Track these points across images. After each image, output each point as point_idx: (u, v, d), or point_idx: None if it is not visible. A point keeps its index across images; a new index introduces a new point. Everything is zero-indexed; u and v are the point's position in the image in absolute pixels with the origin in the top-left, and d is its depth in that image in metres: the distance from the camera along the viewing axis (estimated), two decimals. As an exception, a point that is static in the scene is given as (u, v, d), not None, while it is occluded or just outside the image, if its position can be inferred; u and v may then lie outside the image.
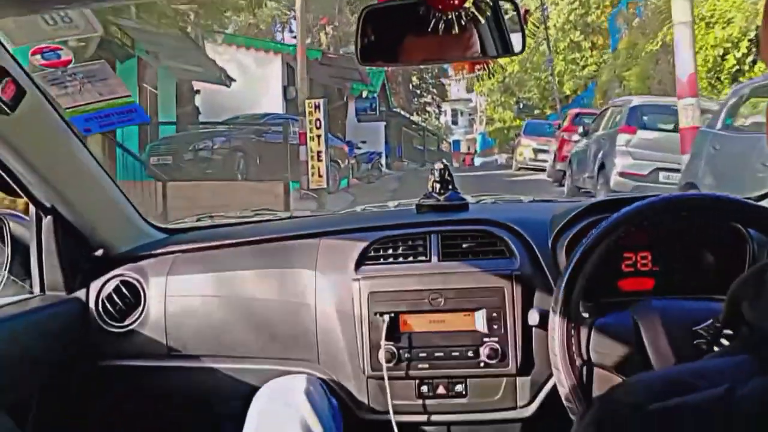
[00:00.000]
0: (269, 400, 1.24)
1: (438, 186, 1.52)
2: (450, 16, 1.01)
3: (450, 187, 1.53)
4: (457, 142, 44.10)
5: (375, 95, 19.08)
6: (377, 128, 19.76)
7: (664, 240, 1.34)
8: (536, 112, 33.29)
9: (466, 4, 1.01)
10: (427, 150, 25.44)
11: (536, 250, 1.36)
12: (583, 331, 1.10)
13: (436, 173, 1.53)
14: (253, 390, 1.26)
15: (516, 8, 1.09)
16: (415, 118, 24.68)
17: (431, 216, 1.50)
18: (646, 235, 1.33)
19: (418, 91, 31.18)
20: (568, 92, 28.58)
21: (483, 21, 1.05)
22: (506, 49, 1.10)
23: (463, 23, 1.02)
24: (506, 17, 1.09)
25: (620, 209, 1.10)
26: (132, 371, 1.48)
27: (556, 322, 1.07)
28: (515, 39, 1.09)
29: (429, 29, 1.01)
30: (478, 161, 35.47)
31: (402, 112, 23.27)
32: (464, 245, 1.39)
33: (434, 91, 32.70)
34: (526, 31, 1.15)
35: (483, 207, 1.65)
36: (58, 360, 1.37)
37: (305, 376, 1.29)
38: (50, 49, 1.15)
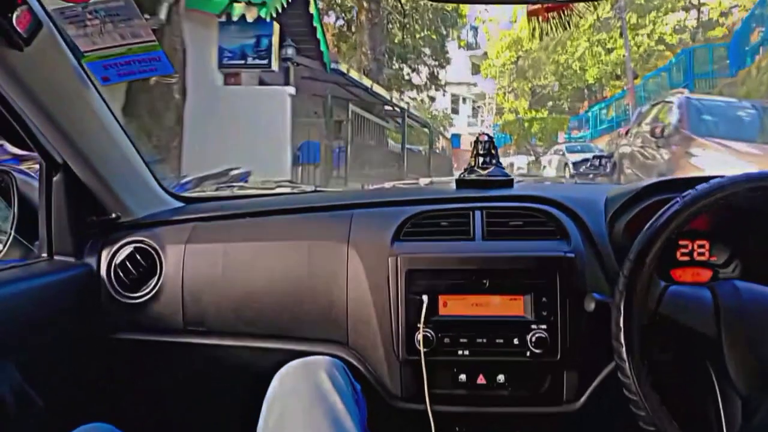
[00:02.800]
0: (288, 381, 1.24)
1: (481, 160, 1.55)
2: None
3: (494, 161, 1.56)
4: (456, 137, 40.44)
5: (269, 23, 10.53)
6: (281, 102, 10.82)
7: (723, 228, 1.37)
8: (550, 104, 32.82)
9: None
10: (411, 152, 18.10)
11: (591, 232, 1.38)
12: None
13: (480, 146, 1.56)
14: (274, 371, 1.26)
15: None
16: (382, 93, 16.06)
17: (474, 191, 1.53)
18: (706, 222, 1.36)
19: (403, 57, 24.81)
20: (591, 80, 28.65)
21: None
22: None
23: None
24: None
25: (682, 190, 1.10)
26: (145, 346, 1.51)
27: (621, 309, 1.06)
28: None
29: None
30: None
31: (364, 83, 14.97)
32: (511, 223, 1.41)
33: (431, 61, 26.80)
34: None
35: (529, 185, 1.69)
36: (65, 329, 1.38)
37: (327, 358, 1.29)
38: (71, -20, 1.14)
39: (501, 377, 1.34)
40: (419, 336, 1.30)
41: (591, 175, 16.07)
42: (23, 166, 1.64)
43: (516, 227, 1.40)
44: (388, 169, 15.16)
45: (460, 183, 1.56)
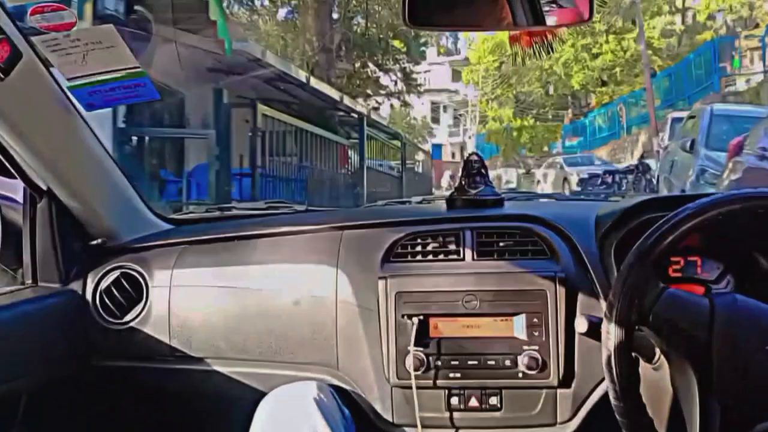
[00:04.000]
0: (276, 407, 1.30)
1: (470, 180, 1.62)
2: None
3: (483, 181, 1.63)
4: (437, 147, 40.23)
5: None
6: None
7: (715, 244, 1.42)
8: (534, 111, 31.98)
9: None
10: (376, 172, 14.04)
11: (581, 251, 1.44)
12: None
13: (470, 166, 1.63)
14: (262, 395, 1.32)
15: None
16: (330, 93, 12.68)
17: (464, 211, 1.59)
18: (698, 238, 1.41)
19: (368, 51, 20.73)
20: (576, 86, 28.84)
21: None
22: (573, 18, 1.20)
23: None
24: None
25: (674, 208, 1.12)
26: (131, 372, 1.56)
27: (612, 331, 1.08)
28: (583, 5, 1.15)
29: None
30: None
31: (299, 77, 11.26)
32: (501, 243, 1.46)
33: (403, 58, 22.80)
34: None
35: (519, 204, 1.74)
36: (50, 357, 1.43)
37: (315, 383, 1.36)
38: (52, 8, 1.20)
39: (494, 399, 1.39)
40: (410, 359, 1.34)
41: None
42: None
43: (506, 247, 1.45)
44: (338, 200, 11.39)
45: (451, 203, 1.63)
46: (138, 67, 1.30)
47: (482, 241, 1.46)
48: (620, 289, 1.08)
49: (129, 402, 1.63)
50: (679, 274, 1.44)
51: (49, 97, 1.31)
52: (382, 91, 23.71)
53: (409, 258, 1.46)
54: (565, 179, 20.09)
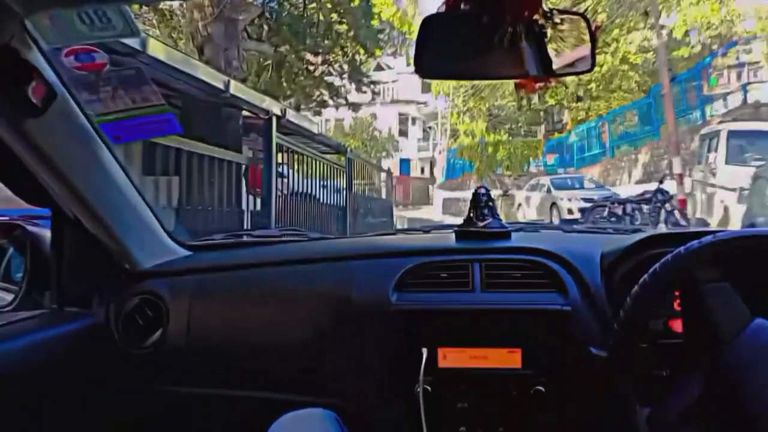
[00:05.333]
0: None
1: (478, 212, 1.76)
2: (517, 29, 1.17)
3: (491, 213, 1.76)
4: (405, 162, 39.95)
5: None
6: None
7: (731, 275, 1.47)
8: (507, 126, 30.73)
9: (535, 17, 1.18)
10: (308, 199, 9.78)
11: (588, 284, 1.55)
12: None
13: (476, 198, 1.77)
14: (271, 421, 1.39)
15: (587, 23, 1.25)
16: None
17: (472, 243, 1.73)
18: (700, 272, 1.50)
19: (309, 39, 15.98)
20: (551, 102, 28.99)
21: (551, 36, 1.21)
22: (576, 67, 1.34)
23: (530, 37, 1.19)
24: (575, 32, 1.27)
25: (677, 245, 1.22)
26: (148, 395, 1.70)
27: (615, 365, 1.21)
28: (584, 56, 1.27)
29: (493, 42, 1.16)
30: (439, 203, 29.60)
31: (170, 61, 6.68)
32: (509, 275, 1.59)
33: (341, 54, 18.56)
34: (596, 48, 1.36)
35: (526, 236, 1.86)
36: (74, 379, 1.56)
37: (321, 410, 1.45)
38: (85, 50, 1.35)
39: (501, 429, 1.52)
40: (419, 388, 1.46)
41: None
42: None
43: (514, 279, 1.57)
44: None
45: (460, 234, 1.76)
46: (163, 104, 1.45)
47: (490, 273, 1.58)
48: (625, 323, 1.19)
49: (144, 424, 1.75)
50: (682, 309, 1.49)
51: (80, 132, 1.46)
52: (323, 90, 19.38)
53: (420, 288, 1.58)
54: (554, 204, 18.59)
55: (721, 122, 12.86)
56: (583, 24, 1.26)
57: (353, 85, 20.21)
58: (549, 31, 1.21)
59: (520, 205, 21.25)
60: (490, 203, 1.76)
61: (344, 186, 12.02)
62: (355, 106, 22.42)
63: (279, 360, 1.64)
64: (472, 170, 28.93)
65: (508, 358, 1.50)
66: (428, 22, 1.21)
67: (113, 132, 1.48)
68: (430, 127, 41.70)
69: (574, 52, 1.29)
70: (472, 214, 1.75)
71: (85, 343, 1.62)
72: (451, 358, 1.51)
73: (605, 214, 13.83)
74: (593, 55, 1.27)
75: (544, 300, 1.54)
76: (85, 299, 1.66)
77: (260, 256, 1.82)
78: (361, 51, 18.89)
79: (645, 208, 13.19)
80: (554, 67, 1.26)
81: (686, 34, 23.57)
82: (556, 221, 16.62)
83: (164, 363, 1.66)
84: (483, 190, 1.77)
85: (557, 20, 1.21)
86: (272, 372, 1.65)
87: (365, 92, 21.53)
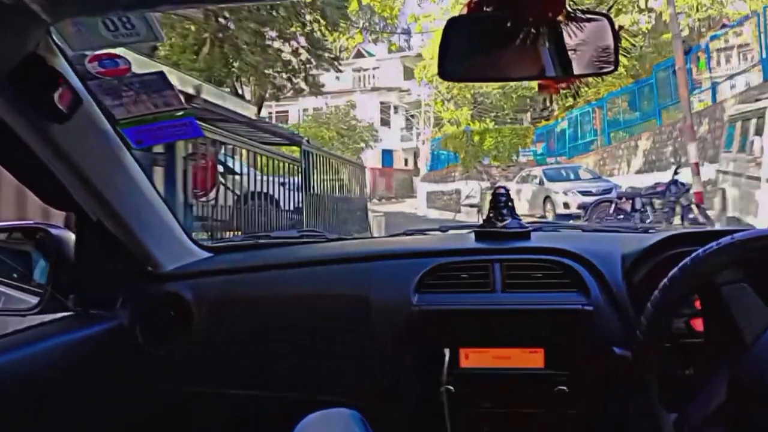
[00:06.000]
0: None
1: (497, 212, 1.81)
2: (540, 30, 1.19)
3: (510, 213, 1.82)
4: (388, 153, 39.67)
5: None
6: None
7: (752, 276, 1.51)
8: (493, 114, 30.31)
9: (559, 18, 1.20)
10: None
11: (610, 284, 1.60)
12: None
13: (496, 199, 1.83)
14: (296, 421, 1.45)
15: (611, 23, 1.27)
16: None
17: (492, 243, 1.78)
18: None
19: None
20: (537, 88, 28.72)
21: (574, 36, 1.23)
22: (599, 67, 1.39)
23: (553, 38, 1.22)
24: (598, 32, 1.30)
25: (698, 244, 1.26)
26: (173, 395, 1.77)
27: (639, 365, 1.24)
28: (608, 56, 1.29)
29: (516, 44, 1.18)
30: (423, 197, 29.18)
31: None
32: (530, 276, 1.65)
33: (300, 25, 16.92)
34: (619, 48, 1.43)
35: (545, 236, 1.92)
36: (99, 380, 1.62)
37: (346, 410, 1.50)
38: (109, 56, 1.39)
39: (524, 428, 1.58)
40: (442, 389, 1.52)
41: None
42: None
43: (535, 279, 1.63)
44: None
45: (479, 235, 1.82)
46: (184, 108, 1.49)
47: (511, 274, 1.64)
48: (649, 323, 1.23)
49: (170, 424, 1.83)
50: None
51: (104, 137, 1.51)
52: (279, 70, 17.45)
53: (440, 289, 1.64)
54: (548, 198, 17.84)
55: (757, 100, 10.70)
56: (607, 24, 1.28)
57: (314, 62, 19.03)
58: (572, 32, 1.24)
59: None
60: (510, 203, 1.82)
61: (299, 179, 10.01)
62: (316, 88, 20.88)
63: (300, 360, 1.70)
64: (457, 161, 27.94)
65: (531, 358, 1.56)
66: (451, 26, 1.24)
67: (135, 136, 1.52)
68: (413, 116, 41.29)
69: (596, 52, 1.32)
70: (491, 214, 1.81)
71: (109, 344, 1.68)
72: (473, 358, 1.57)
73: (611, 210, 12.57)
74: (617, 55, 1.30)
75: (565, 300, 1.59)
76: (108, 301, 1.72)
77: (280, 258, 1.89)
78: (322, 22, 17.51)
79: (657, 203, 11.96)
80: (577, 67, 1.31)
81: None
82: (550, 217, 16.61)
83: (187, 364, 1.73)
84: (502, 191, 1.84)
85: (580, 20, 1.23)
86: (294, 372, 1.71)
87: (328, 69, 20.54)
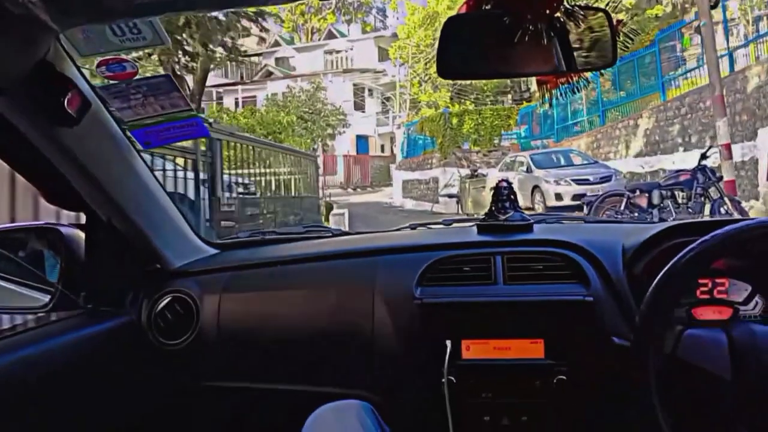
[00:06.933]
0: (320, 424, 1.52)
1: (499, 205, 1.92)
2: (538, 27, 1.24)
3: (513, 206, 1.92)
4: (363, 139, 39.39)
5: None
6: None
7: (743, 266, 1.61)
8: (473, 97, 29.26)
9: (556, 15, 1.25)
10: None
11: (610, 275, 1.69)
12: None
13: (498, 192, 1.93)
14: (306, 413, 1.51)
15: (608, 18, 1.32)
16: None
17: (494, 236, 1.89)
18: (724, 260, 1.60)
19: None
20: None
21: (572, 32, 1.30)
22: (597, 62, 1.40)
23: (551, 34, 1.27)
24: (596, 27, 1.34)
25: (700, 234, 1.32)
26: (183, 390, 1.88)
27: (639, 355, 1.29)
28: (606, 50, 1.35)
29: (514, 41, 1.23)
30: (398, 186, 28.35)
31: None
32: (531, 268, 1.74)
33: None
34: (618, 43, 1.50)
35: (547, 228, 2.02)
36: (110, 377, 1.72)
37: (357, 402, 1.60)
38: (116, 61, 1.48)
39: (525, 418, 1.67)
40: (443, 380, 1.61)
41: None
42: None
43: (536, 271, 1.73)
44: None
45: (482, 228, 1.93)
46: (190, 109, 1.59)
47: (513, 266, 1.74)
48: (647, 313, 1.29)
49: (179, 418, 1.94)
50: (707, 296, 1.63)
51: (111, 139, 1.62)
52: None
53: (443, 282, 1.74)
54: (536, 188, 16.15)
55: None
56: (605, 19, 1.34)
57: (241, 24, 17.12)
58: (570, 27, 1.30)
59: (492, 189, 16.53)
60: (512, 196, 1.92)
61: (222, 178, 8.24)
62: (303, 77, 20.02)
63: (308, 354, 1.81)
64: (434, 146, 26.57)
65: (531, 349, 1.65)
66: (450, 24, 1.29)
67: (143, 138, 1.63)
68: (387, 98, 40.90)
69: (595, 47, 1.37)
70: (493, 207, 1.92)
71: (120, 341, 1.79)
72: (474, 349, 1.66)
73: (622, 207, 10.67)
74: (615, 49, 1.35)
75: (566, 291, 1.68)
76: (118, 299, 1.84)
77: (285, 253, 2.00)
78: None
79: (680, 196, 10.38)
80: (575, 63, 1.35)
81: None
82: (539, 209, 15.33)
83: (197, 358, 1.84)
84: (504, 184, 1.94)
85: (578, 16, 1.29)
86: (302, 366, 1.82)
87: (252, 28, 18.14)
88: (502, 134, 25.87)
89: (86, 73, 1.50)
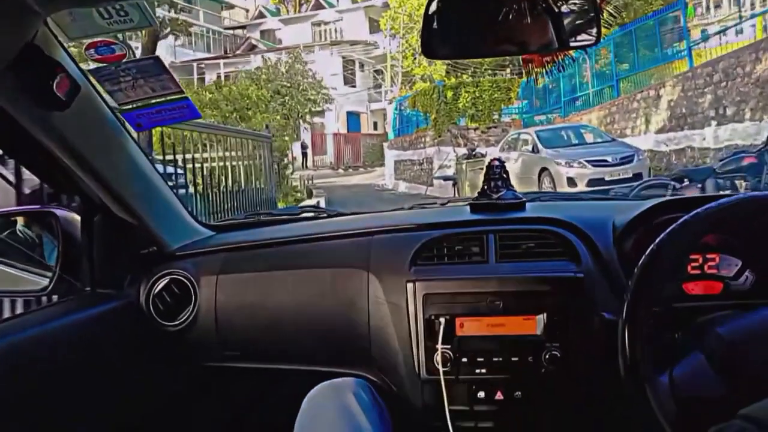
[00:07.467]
0: (318, 402, 1.63)
1: (491, 184, 2.02)
2: (522, 5, 1.33)
3: (505, 185, 2.03)
4: (354, 116, 39.48)
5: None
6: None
7: (734, 241, 1.70)
8: (470, 70, 26.80)
9: None
10: None
11: (600, 251, 1.79)
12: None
13: (490, 171, 2.03)
14: (304, 392, 1.64)
15: None
16: None
17: (487, 215, 2.00)
18: (714, 236, 1.69)
19: None
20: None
21: (556, 10, 1.38)
22: (581, 40, 1.45)
23: (535, 13, 1.35)
24: (580, 6, 1.44)
25: (688, 210, 1.36)
26: (181, 370, 2.01)
27: (626, 329, 1.33)
28: (590, 29, 1.45)
29: (499, 18, 1.32)
30: (390, 166, 27.65)
31: None
32: (523, 245, 1.84)
33: None
34: (602, 21, 1.46)
35: (540, 206, 2.12)
36: (109, 358, 1.82)
37: (353, 379, 1.73)
38: (105, 43, 1.57)
39: (518, 393, 1.76)
40: (438, 356, 1.71)
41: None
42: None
43: (528, 249, 1.83)
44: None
45: (474, 207, 2.04)
46: (180, 91, 1.69)
47: (505, 244, 1.84)
48: (635, 289, 1.34)
49: (178, 398, 2.06)
50: (697, 272, 1.72)
51: (103, 122, 1.71)
52: None
53: (436, 261, 1.85)
54: (544, 171, 14.76)
55: None
56: None
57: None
58: (555, 5, 1.38)
59: None
60: (504, 175, 2.03)
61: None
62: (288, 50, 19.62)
63: (303, 334, 1.92)
64: (428, 123, 25.06)
65: (524, 325, 1.73)
66: (432, 3, 1.37)
67: (135, 120, 1.73)
68: (378, 71, 40.52)
69: (579, 25, 1.46)
70: (486, 186, 2.02)
71: (119, 322, 1.89)
72: (468, 326, 1.74)
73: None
74: (599, 27, 1.43)
75: (557, 268, 1.78)
76: (116, 281, 1.94)
77: (281, 234, 2.10)
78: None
79: (743, 185, 8.95)
80: (560, 41, 1.42)
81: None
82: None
83: (195, 339, 1.95)
84: (497, 162, 2.04)
85: None
86: (298, 345, 1.94)
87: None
88: (503, 109, 24.13)
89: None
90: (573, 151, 14.71)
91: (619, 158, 13.68)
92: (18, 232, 2.03)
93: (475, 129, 23.30)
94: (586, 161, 13.92)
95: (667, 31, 16.92)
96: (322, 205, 13.87)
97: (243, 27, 46.15)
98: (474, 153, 18.42)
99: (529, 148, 15.89)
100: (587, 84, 20.66)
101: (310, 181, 23.40)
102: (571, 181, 13.86)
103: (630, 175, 13.25)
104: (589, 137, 15.96)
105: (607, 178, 13.04)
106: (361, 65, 41.22)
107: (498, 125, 23.28)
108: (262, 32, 45.09)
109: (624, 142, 15.42)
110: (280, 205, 13.00)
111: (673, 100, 15.35)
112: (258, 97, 22.26)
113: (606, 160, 13.67)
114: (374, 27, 39.26)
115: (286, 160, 19.54)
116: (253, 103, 21.62)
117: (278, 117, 23.39)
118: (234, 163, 9.65)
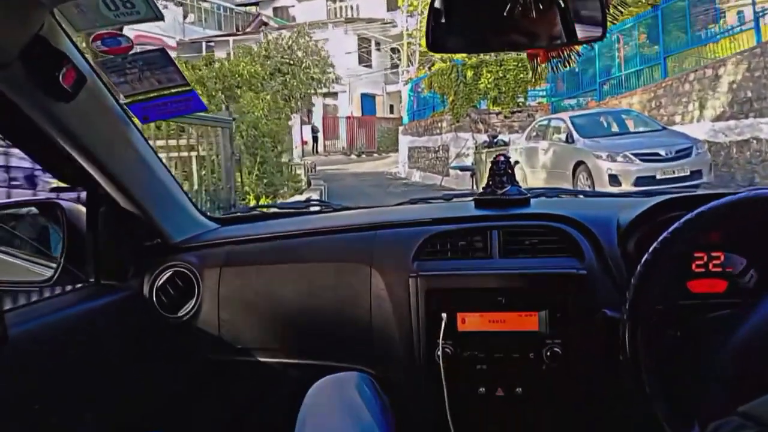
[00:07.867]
0: (321, 396, 1.67)
1: (496, 179, 2.08)
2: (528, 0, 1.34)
3: (510, 181, 2.09)
4: (369, 99, 39.17)
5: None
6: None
7: (739, 239, 1.71)
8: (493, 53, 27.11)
9: None
10: None
11: (604, 249, 1.85)
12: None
13: (495, 167, 2.09)
14: (307, 385, 1.68)
15: None
16: None
17: (491, 211, 2.06)
18: (719, 234, 1.70)
19: None
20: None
21: (563, 4, 1.40)
22: (587, 35, 1.47)
23: (541, 7, 1.37)
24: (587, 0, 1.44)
25: (693, 208, 1.42)
26: (185, 362, 2.09)
27: (628, 327, 1.40)
28: (596, 24, 1.46)
29: (505, 13, 1.35)
30: (404, 153, 26.94)
31: None
32: (526, 242, 1.91)
33: None
34: (607, 16, 1.49)
35: (545, 202, 2.19)
36: (113, 349, 1.90)
37: (356, 374, 1.79)
38: (111, 35, 1.64)
39: (518, 389, 1.83)
40: (439, 351, 1.78)
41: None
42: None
43: (531, 245, 1.89)
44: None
45: (478, 202, 2.10)
46: (186, 83, 1.76)
47: (508, 240, 1.91)
48: (638, 286, 1.40)
49: (181, 390, 2.14)
50: (702, 270, 1.74)
51: (109, 114, 1.78)
52: None
53: (439, 256, 1.92)
54: (581, 165, 12.77)
55: None
56: None
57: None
58: (561, 0, 1.40)
59: (516, 162, 14.11)
60: (510, 170, 2.09)
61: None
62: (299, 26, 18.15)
63: (306, 328, 2.01)
64: (445, 107, 23.61)
65: (526, 321, 1.80)
66: None
67: (141, 112, 1.80)
68: (394, 50, 39.65)
69: (585, 20, 1.47)
70: (491, 182, 2.08)
71: (123, 314, 1.97)
72: (470, 322, 1.82)
73: None
74: (605, 22, 1.46)
75: (560, 265, 1.85)
76: (120, 273, 2.02)
77: (286, 227, 2.19)
78: None
79: None
80: (566, 36, 1.46)
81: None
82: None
83: (199, 331, 2.03)
84: (502, 158, 2.10)
85: None
86: (301, 339, 2.02)
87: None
88: (528, 91, 22.34)
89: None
90: (616, 142, 12.86)
91: (674, 151, 11.94)
92: (25, 222, 2.11)
93: (498, 113, 21.82)
94: (633, 154, 12.07)
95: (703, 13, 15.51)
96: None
97: (256, 3, 46.09)
98: (496, 141, 17.56)
99: (562, 136, 14.03)
100: (630, 61, 18.73)
101: (313, 170, 22.45)
102: (614, 179, 12.04)
103: (687, 173, 11.82)
104: (633, 125, 14.16)
105: (658, 176, 11.49)
106: (378, 45, 40.81)
107: (523, 109, 21.95)
108: (275, 9, 44.98)
109: (678, 131, 13.52)
110: (263, 201, 12.20)
111: (736, 82, 13.56)
112: (250, 74, 21.23)
113: (658, 154, 11.93)
114: (392, 4, 39.01)
115: (280, 147, 18.28)
116: (244, 80, 20.64)
117: (277, 97, 21.73)
118: (176, 153, 8.56)
